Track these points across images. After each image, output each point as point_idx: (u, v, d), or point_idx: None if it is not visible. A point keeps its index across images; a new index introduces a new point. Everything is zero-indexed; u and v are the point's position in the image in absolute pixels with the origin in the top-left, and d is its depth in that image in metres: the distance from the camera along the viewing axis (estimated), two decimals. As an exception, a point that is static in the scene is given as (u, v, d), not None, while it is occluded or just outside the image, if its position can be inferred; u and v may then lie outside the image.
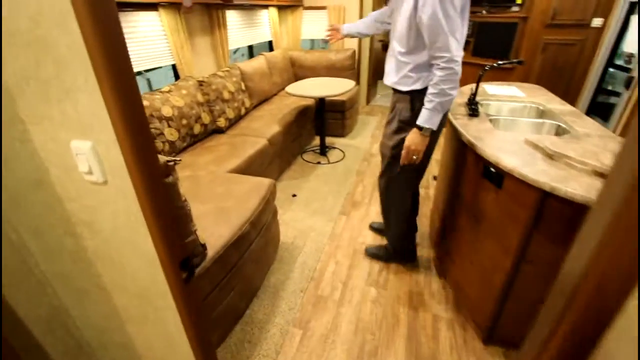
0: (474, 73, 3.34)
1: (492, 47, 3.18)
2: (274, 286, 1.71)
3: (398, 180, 1.54)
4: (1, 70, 0.61)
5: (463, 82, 3.63)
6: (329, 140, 3.48)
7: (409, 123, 1.35)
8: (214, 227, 1.38)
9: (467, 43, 3.49)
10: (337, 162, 3.06)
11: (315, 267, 1.84)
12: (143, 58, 2.17)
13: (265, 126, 2.62)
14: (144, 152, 0.61)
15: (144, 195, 0.63)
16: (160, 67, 2.40)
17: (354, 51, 3.81)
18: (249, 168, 2.16)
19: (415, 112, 1.32)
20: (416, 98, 1.32)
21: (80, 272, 0.84)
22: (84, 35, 0.48)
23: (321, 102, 2.97)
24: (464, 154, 1.39)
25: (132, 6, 1.99)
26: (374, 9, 4.12)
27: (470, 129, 1.35)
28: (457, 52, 1.15)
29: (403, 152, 1.36)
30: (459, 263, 1.52)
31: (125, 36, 1.90)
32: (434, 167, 2.90)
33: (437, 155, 3.06)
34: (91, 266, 0.82)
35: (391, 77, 1.38)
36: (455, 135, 1.46)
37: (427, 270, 1.79)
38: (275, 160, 2.60)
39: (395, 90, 1.40)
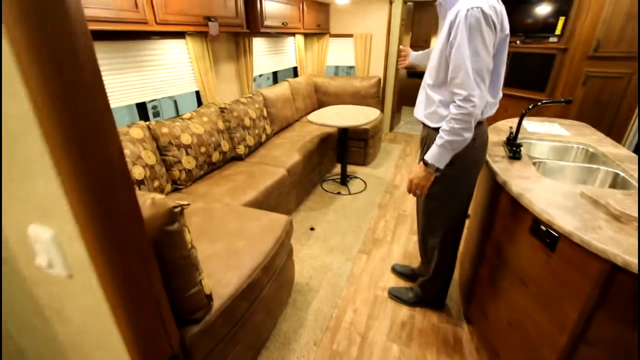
0: (506, 105, 3.18)
1: (527, 78, 3.02)
2: (285, 336, 1.55)
3: (439, 226, 1.43)
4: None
5: (496, 117, 3.44)
6: (350, 169, 3.36)
7: (436, 169, 1.24)
8: (223, 272, 1.26)
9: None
10: (358, 193, 2.92)
11: (331, 314, 1.67)
12: (168, 84, 2.17)
13: (285, 155, 2.53)
14: (114, 242, 0.49)
15: (115, 295, 0.51)
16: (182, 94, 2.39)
17: (379, 79, 3.74)
18: (266, 200, 2.06)
19: None
20: None
21: (54, 353, 0.73)
22: (34, 105, 0.38)
23: (344, 130, 2.88)
24: (506, 202, 1.22)
25: (161, 34, 2.00)
26: (400, 38, 4.07)
27: (513, 176, 1.19)
28: (475, 91, 1.06)
29: (407, 183, 1.30)
30: (493, 321, 1.32)
31: (151, 63, 1.86)
32: (463, 203, 2.70)
33: (466, 190, 2.87)
34: (63, 352, 0.71)
35: (420, 109, 1.34)
36: (491, 176, 1.30)
37: (457, 323, 1.59)
38: (293, 190, 2.50)
39: (425, 125, 1.33)
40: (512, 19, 2.92)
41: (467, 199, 1.38)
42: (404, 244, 2.20)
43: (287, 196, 2.40)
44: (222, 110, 2.32)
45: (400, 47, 1.93)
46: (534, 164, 1.36)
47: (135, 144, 1.69)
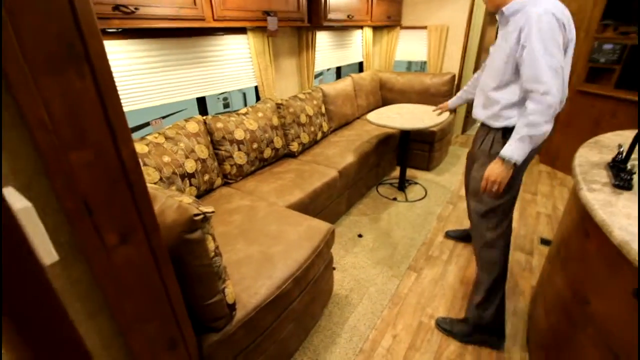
0: (615, 110, 2.59)
1: (649, 78, 2.41)
2: (314, 350, 1.46)
3: (493, 218, 1.38)
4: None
5: (599, 122, 2.84)
6: (410, 173, 3.11)
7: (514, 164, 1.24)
8: (252, 279, 1.21)
9: (608, 71, 2.73)
10: (416, 200, 2.68)
11: (367, 335, 1.53)
12: (228, 80, 2.20)
13: (339, 155, 2.42)
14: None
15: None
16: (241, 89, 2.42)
17: (454, 75, 3.37)
18: (312, 202, 1.98)
19: None
20: (509, 134, 1.25)
21: None
22: None
23: (405, 132, 2.65)
24: (603, 246, 0.94)
25: (221, 30, 2.02)
26: (483, 30, 3.62)
27: (617, 213, 0.90)
28: (554, 86, 1.11)
29: (482, 182, 1.29)
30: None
31: (212, 58, 1.87)
32: (544, 226, 2.29)
33: (544, 208, 2.44)
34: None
35: (478, 111, 1.40)
36: (582, 209, 1.01)
37: (518, 380, 1.32)
38: (344, 192, 2.38)
39: (484, 124, 1.39)
40: (633, 4, 2.35)
41: (511, 197, 1.36)
42: (463, 267, 1.94)
43: (337, 199, 2.29)
44: (278, 106, 2.30)
45: (434, 108, 2.12)
46: (650, 196, 1.03)
47: (190, 138, 1.74)
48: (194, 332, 0.97)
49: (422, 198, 2.71)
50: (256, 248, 1.38)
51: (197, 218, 0.85)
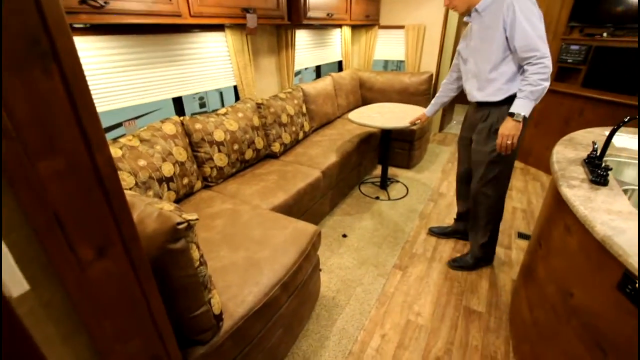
0: (583, 107, 2.73)
1: (614, 78, 2.54)
2: (303, 355, 1.44)
3: (497, 183, 1.66)
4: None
5: (568, 120, 2.97)
6: (392, 171, 3.14)
7: (523, 118, 1.43)
8: (239, 286, 1.16)
9: (575, 71, 2.89)
10: (398, 199, 2.71)
11: (356, 337, 1.52)
12: (206, 79, 2.12)
13: (321, 155, 2.39)
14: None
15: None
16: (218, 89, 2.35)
17: (432, 75, 3.43)
18: (296, 204, 1.94)
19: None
20: (511, 102, 1.46)
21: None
22: None
23: (386, 131, 2.66)
24: (584, 241, 0.97)
25: (198, 27, 1.94)
26: (458, 29, 3.71)
27: (597, 209, 0.93)
28: (546, 50, 1.34)
29: (498, 140, 1.49)
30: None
31: (189, 57, 1.79)
32: (520, 221, 2.37)
33: (519, 203, 2.52)
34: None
35: (476, 94, 1.59)
36: (561, 204, 1.04)
37: (504, 373, 1.35)
38: (328, 193, 2.36)
39: (485, 104, 1.58)
40: (598, 8, 2.48)
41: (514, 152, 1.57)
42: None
43: (320, 199, 2.26)
44: (258, 106, 2.24)
45: (411, 121, 2.24)
46: (625, 191, 1.08)
47: (167, 140, 1.66)
48: (178, 347, 0.92)
49: (404, 196, 2.74)
50: (241, 254, 1.33)
51: (180, 227, 0.80)
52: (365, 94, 3.68)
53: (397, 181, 2.98)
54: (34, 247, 0.58)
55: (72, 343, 0.69)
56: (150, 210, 0.87)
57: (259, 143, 2.20)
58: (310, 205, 2.14)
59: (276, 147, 2.34)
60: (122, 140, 1.52)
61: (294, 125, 2.51)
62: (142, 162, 1.51)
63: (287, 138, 2.42)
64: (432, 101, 2.04)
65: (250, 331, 1.11)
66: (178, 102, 2.07)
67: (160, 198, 1.59)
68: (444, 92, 1.95)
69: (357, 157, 2.70)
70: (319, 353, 1.45)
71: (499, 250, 2.06)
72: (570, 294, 0.98)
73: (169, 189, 1.62)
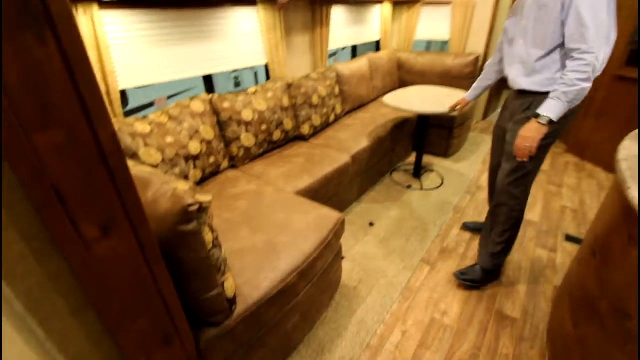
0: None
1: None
2: (319, 343, 1.41)
3: (525, 183, 1.47)
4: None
5: (633, 110, 2.63)
6: (427, 159, 2.96)
7: (549, 122, 1.24)
8: (255, 271, 1.14)
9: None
10: (432, 189, 2.55)
11: (375, 330, 1.47)
12: (237, 56, 2.08)
13: (352, 139, 2.30)
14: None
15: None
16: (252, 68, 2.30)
17: (478, 57, 3.14)
18: (322, 189, 1.88)
19: None
20: None
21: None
22: None
23: (423, 117, 2.49)
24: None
25: (231, 2, 1.89)
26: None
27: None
28: (596, 44, 1.12)
29: (517, 140, 1.33)
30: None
31: (220, 34, 1.76)
32: (569, 222, 2.14)
33: (570, 202, 2.28)
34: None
35: (522, 81, 1.37)
36: (626, 211, 0.88)
37: (536, 387, 1.23)
38: (356, 179, 2.27)
39: (529, 92, 1.36)
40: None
41: (540, 158, 1.41)
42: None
43: (348, 185, 2.19)
44: (289, 86, 2.17)
45: (450, 106, 2.04)
46: None
47: (194, 118, 1.65)
48: (190, 327, 0.91)
49: (439, 187, 2.58)
50: (261, 237, 1.30)
51: (191, 209, 0.77)
52: (404, 76, 3.47)
53: (432, 170, 2.81)
54: (38, 222, 0.57)
55: (81, 317, 0.70)
56: (165, 189, 0.84)
57: (288, 124, 2.14)
58: (337, 191, 2.07)
59: (305, 129, 2.28)
60: (151, 116, 1.53)
61: (325, 107, 2.42)
62: (169, 139, 1.52)
63: (317, 120, 2.34)
64: (474, 84, 1.80)
65: (264, 317, 1.09)
66: (208, 81, 2.06)
67: (187, 176, 1.60)
68: (488, 75, 1.72)
69: (390, 143, 2.56)
70: (335, 342, 1.41)
71: (542, 253, 1.88)
72: (628, 315, 0.84)
73: (195, 167, 1.62)
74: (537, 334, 1.42)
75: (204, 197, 0.82)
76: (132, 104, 3.85)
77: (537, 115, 1.24)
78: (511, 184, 1.46)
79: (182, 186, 0.85)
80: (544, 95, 1.29)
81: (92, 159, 0.57)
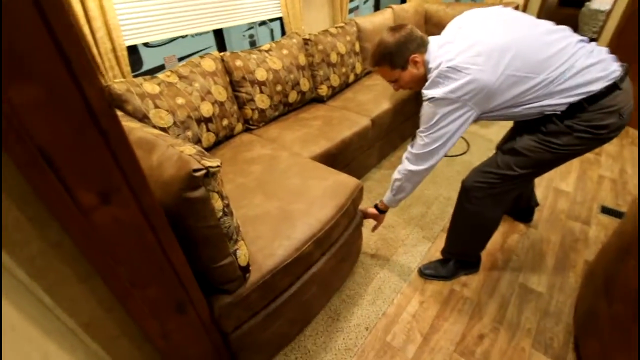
0: None
1: None
2: (335, 311, 1.40)
3: (498, 193, 1.24)
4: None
5: None
6: (452, 124, 2.78)
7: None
8: (269, 238, 1.10)
9: None
10: (456, 155, 2.41)
11: (392, 299, 1.44)
12: (250, 9, 1.93)
13: (372, 101, 2.15)
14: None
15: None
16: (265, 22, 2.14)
17: (517, 6, 2.81)
18: (340, 153, 1.79)
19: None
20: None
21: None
22: None
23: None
24: None
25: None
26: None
27: None
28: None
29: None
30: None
31: None
32: (606, 193, 1.98)
33: (609, 171, 2.10)
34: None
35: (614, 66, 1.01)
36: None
37: (558, 357, 1.19)
38: (376, 143, 2.16)
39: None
40: None
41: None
42: (503, 233, 1.73)
43: (367, 150, 2.08)
44: (305, 42, 2.01)
45: None
46: None
47: (206, 78, 1.56)
48: (203, 294, 0.90)
49: (464, 153, 2.44)
50: (275, 204, 1.26)
51: (197, 174, 0.71)
52: (432, 31, 3.16)
53: (457, 135, 2.64)
54: (30, 188, 0.53)
55: (90, 283, 0.67)
56: (170, 153, 0.79)
57: (305, 85, 2.01)
58: (356, 155, 1.98)
59: (323, 90, 2.14)
60: (160, 76, 1.45)
61: (345, 66, 2.25)
62: (180, 101, 1.45)
63: (335, 80, 2.20)
64: None
65: (279, 285, 1.07)
66: (219, 37, 1.93)
67: (200, 139, 1.54)
68: None
69: (414, 106, 2.40)
70: (351, 310, 1.40)
71: (573, 225, 1.76)
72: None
73: (207, 130, 1.56)
74: (563, 309, 1.35)
75: (211, 162, 0.76)
76: (147, 65, 3.76)
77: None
78: (484, 186, 1.22)
79: (189, 150, 0.79)
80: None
81: (80, 119, 0.50)
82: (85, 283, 0.67)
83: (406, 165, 1.24)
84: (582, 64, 0.98)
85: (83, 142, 0.52)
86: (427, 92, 1.08)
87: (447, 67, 1.01)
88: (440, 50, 1.09)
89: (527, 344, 1.24)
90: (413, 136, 2.64)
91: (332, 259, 1.28)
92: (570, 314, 1.33)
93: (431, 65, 1.10)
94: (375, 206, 1.43)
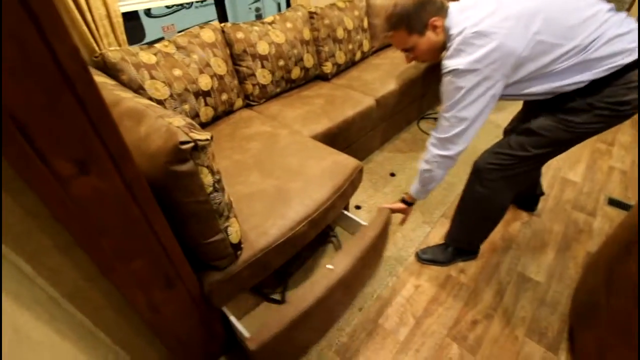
0: None
1: None
2: (329, 291, 1.40)
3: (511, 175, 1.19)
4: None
5: None
6: (460, 107, 2.69)
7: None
8: (263, 216, 1.08)
9: None
10: (462, 140, 2.34)
11: (387, 282, 1.43)
12: (253, -22, 1.83)
13: (379, 80, 2.08)
14: None
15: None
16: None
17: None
18: (342, 133, 1.75)
19: None
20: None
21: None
22: None
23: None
24: None
25: None
26: None
27: None
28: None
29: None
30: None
31: None
32: (615, 184, 1.92)
33: (620, 162, 2.03)
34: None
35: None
36: None
37: (551, 347, 1.18)
38: (380, 125, 2.10)
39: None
40: None
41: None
42: (505, 220, 1.70)
43: (370, 131, 2.03)
44: (311, 15, 1.93)
45: None
46: None
47: (204, 49, 1.50)
48: (192, 270, 0.89)
49: (470, 138, 2.37)
50: (271, 182, 1.23)
51: (184, 147, 0.68)
52: None
53: (465, 120, 2.56)
54: None
55: (71, 255, 0.66)
56: (159, 124, 0.75)
57: (308, 61, 1.94)
58: (358, 137, 1.93)
59: (327, 68, 2.07)
60: (157, 45, 1.40)
61: (351, 42, 2.16)
62: (177, 72, 1.40)
63: (341, 57, 2.12)
64: None
65: (271, 264, 1.05)
66: (221, 5, 1.85)
67: (197, 113, 1.50)
68: None
69: (421, 87, 2.32)
70: (345, 291, 1.40)
71: (578, 216, 1.71)
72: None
73: (206, 104, 1.52)
74: (560, 299, 1.33)
75: (200, 135, 0.72)
76: (150, 37, 3.68)
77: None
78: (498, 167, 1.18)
79: (178, 122, 0.75)
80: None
81: (52, 80, 0.47)
82: (66, 254, 0.66)
83: (434, 152, 1.13)
84: (612, 33, 0.89)
85: (56, 106, 0.49)
86: (448, 64, 0.97)
87: (473, 32, 0.91)
88: (461, 15, 0.98)
89: (520, 332, 1.23)
90: (419, 119, 2.57)
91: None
92: (567, 305, 1.31)
93: (453, 31, 0.99)
94: (403, 200, 1.34)
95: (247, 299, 1.20)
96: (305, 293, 0.99)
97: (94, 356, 0.67)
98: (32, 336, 0.48)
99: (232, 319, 1.04)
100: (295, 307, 0.95)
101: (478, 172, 1.23)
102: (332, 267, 1.06)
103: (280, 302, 1.19)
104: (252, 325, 1.04)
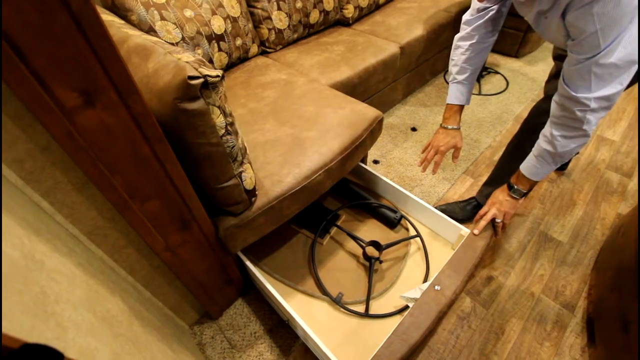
0: None
1: None
2: (344, 243, 1.40)
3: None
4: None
5: None
6: (492, 58, 2.49)
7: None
8: (279, 165, 1.06)
9: None
10: (492, 94, 2.19)
11: (402, 236, 1.42)
12: None
13: (404, 25, 1.91)
14: None
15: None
16: None
17: None
18: (362, 84, 1.65)
19: None
20: None
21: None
22: None
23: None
24: None
25: None
26: None
27: None
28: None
29: (484, 209, 1.09)
30: None
31: None
32: (659, 142, 1.76)
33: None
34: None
35: None
36: None
37: (566, 305, 1.16)
38: (403, 76, 1.97)
39: None
40: None
41: None
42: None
43: (392, 82, 1.91)
44: (332, -52, 1.74)
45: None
46: None
47: (217, -13, 1.39)
48: (207, 214, 0.89)
49: (501, 92, 2.20)
50: (287, 130, 1.19)
51: (193, 82, 0.64)
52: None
53: (497, 72, 2.37)
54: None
55: (87, 192, 0.66)
56: (167, 60, 0.71)
57: (328, 4, 1.79)
58: (380, 87, 1.82)
59: (349, 11, 1.91)
60: (166, -19, 1.31)
61: (376, -18, 1.96)
62: (188, 13, 1.32)
63: (364, 0, 1.94)
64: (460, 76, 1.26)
65: (285, 211, 1.05)
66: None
67: (211, 59, 1.44)
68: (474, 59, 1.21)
69: (451, 34, 2.12)
70: (359, 243, 1.40)
71: (612, 176, 1.61)
72: None
73: (219, 49, 1.44)
74: (582, 260, 1.29)
75: (210, 71, 0.68)
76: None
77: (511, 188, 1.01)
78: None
79: (187, 57, 0.70)
80: None
81: (50, 5, 0.43)
82: (82, 192, 0.66)
83: (592, 120, 0.79)
84: None
85: (53, 28, 0.45)
86: None
87: None
88: None
89: (537, 289, 1.21)
90: (446, 71, 2.39)
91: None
92: (589, 266, 1.27)
93: None
94: (510, 189, 1.03)
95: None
96: (416, 322, 0.85)
97: (115, 290, 0.70)
98: (49, 265, 0.49)
99: (248, 264, 1.06)
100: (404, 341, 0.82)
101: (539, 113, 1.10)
102: (440, 287, 0.92)
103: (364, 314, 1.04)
104: (271, 268, 1.06)
